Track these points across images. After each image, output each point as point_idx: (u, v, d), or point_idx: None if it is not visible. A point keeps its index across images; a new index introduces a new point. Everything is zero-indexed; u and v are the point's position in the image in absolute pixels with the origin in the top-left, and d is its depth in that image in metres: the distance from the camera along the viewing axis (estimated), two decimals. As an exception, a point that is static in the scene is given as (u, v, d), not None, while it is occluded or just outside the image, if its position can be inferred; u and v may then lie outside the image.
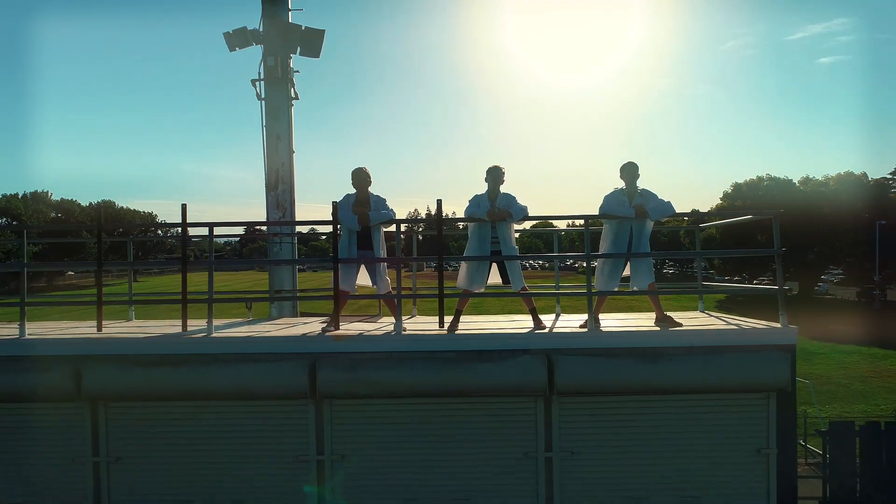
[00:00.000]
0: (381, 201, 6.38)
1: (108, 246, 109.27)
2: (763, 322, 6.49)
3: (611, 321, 6.79)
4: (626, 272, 6.52)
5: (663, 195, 6.36)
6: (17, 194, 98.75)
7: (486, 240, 6.31)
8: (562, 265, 7.54)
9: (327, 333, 6.12)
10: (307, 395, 5.80)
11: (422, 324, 6.81)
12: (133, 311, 8.11)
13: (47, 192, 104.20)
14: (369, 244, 6.33)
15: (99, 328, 6.69)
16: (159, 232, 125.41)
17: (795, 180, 73.92)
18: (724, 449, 5.89)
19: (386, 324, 6.89)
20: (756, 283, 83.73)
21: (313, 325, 6.98)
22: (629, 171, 6.31)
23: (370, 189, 6.50)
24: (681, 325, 6.26)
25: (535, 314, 6.49)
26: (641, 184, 6.42)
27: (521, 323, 6.76)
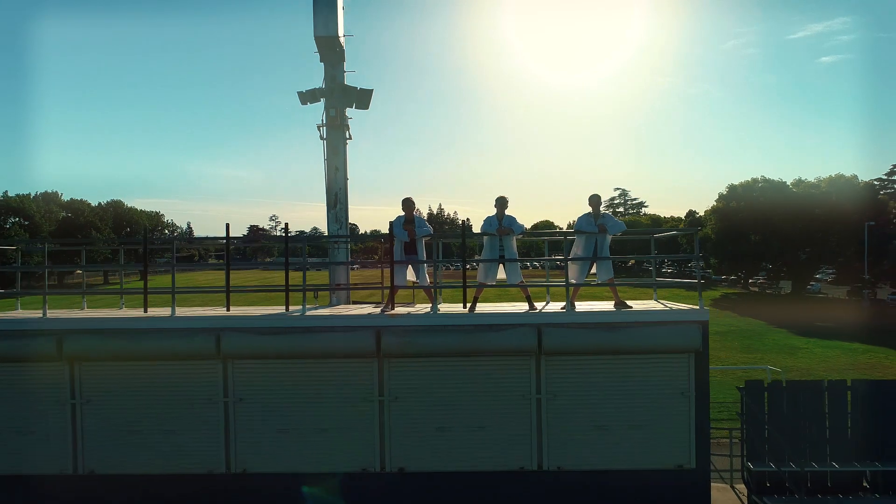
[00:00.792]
0: (422, 221, 9.15)
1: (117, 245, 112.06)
2: (688, 305, 9.25)
3: (582, 305, 9.56)
4: (593, 271, 9.29)
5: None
6: (28, 194, 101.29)
7: (496, 248, 9.09)
8: (552, 266, 9.76)
9: (386, 313, 8.92)
10: (374, 355, 8.59)
11: (449, 307, 9.58)
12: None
13: (57, 192, 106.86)
14: (414, 250, 9.10)
15: (228, 308, 9.45)
16: (166, 231, 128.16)
17: (789, 182, 76.52)
18: (660, 391, 8.67)
19: (424, 306, 9.68)
20: (751, 282, 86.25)
21: (369, 309, 9.77)
22: (594, 201, 9.11)
23: (413, 212, 9.29)
24: (631, 307, 9.03)
25: (529, 300, 9.27)
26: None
27: (519, 306, 9.53)
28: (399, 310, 9.21)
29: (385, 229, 9.11)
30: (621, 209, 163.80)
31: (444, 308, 9.30)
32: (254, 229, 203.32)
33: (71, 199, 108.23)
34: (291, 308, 9.40)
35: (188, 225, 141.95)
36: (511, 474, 8.63)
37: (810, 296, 77.13)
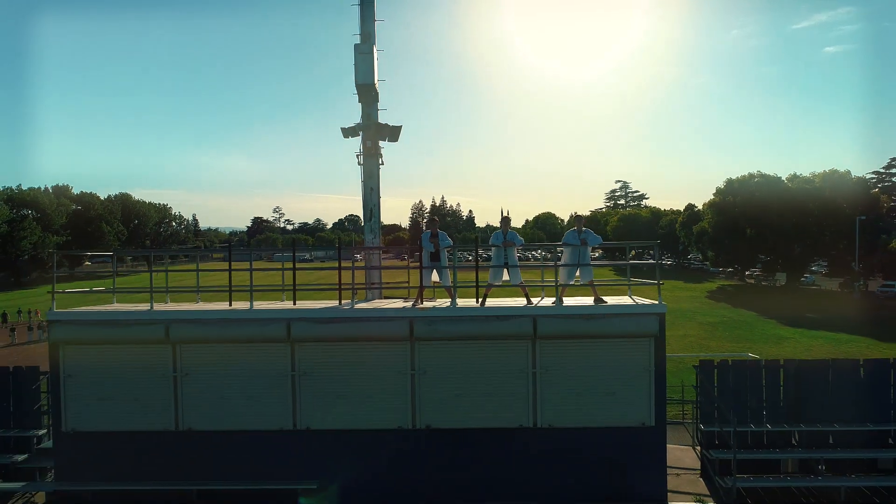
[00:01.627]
0: (444, 235, 11.80)
1: (126, 237, 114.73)
2: (651, 300, 11.90)
3: (569, 300, 12.22)
4: (577, 274, 11.96)
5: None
6: (39, 188, 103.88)
7: (501, 256, 11.76)
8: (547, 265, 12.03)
9: (416, 306, 11.62)
10: (407, 339, 11.29)
11: (465, 302, 12.25)
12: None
13: (68, 185, 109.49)
14: (438, 258, 11.77)
15: (294, 302, 12.10)
16: (173, 224, 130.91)
17: (785, 177, 78.92)
18: (627, 367, 11.35)
19: (444, 301, 12.35)
20: (748, 274, 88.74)
21: (401, 303, 12.46)
22: (578, 220, 11.78)
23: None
24: (606, 302, 11.71)
25: (527, 297, 11.94)
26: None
27: (519, 301, 12.19)
28: (426, 304, 11.90)
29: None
30: (622, 201, 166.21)
31: (461, 303, 11.98)
32: (258, 221, 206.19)
33: (81, 192, 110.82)
34: (328, 303, 12.15)
35: (193, 217, 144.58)
36: (513, 430, 11.35)
37: (804, 288, 79.76)
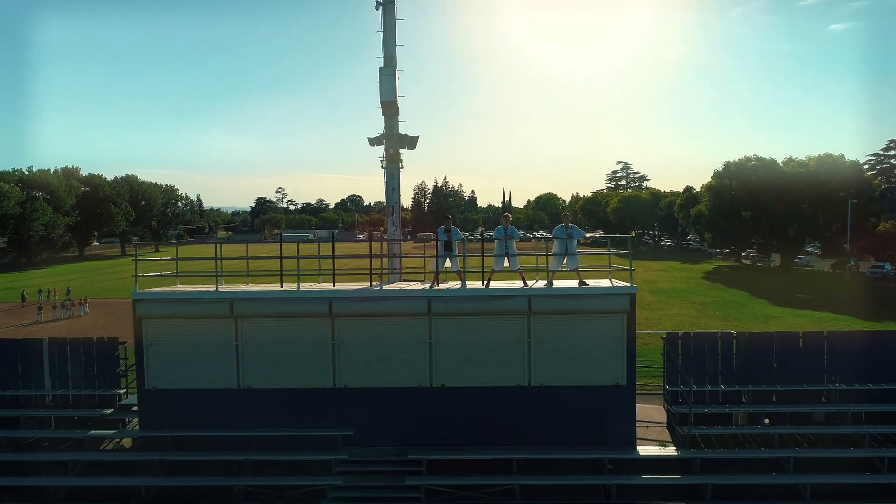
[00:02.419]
0: (456, 230, 14.47)
1: (134, 218, 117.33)
2: (624, 282, 14.59)
3: (558, 283, 14.91)
4: (565, 262, 14.66)
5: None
6: (49, 170, 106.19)
7: (503, 247, 14.45)
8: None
9: (433, 287, 14.35)
10: (426, 314, 14.02)
11: (472, 284, 14.95)
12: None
13: (76, 167, 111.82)
14: (450, 248, 14.47)
15: (333, 284, 14.80)
16: (179, 204, 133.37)
17: (781, 160, 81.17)
18: (604, 337, 14.09)
19: (455, 283, 15.06)
20: (744, 255, 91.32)
21: (420, 285, 15.16)
22: (565, 217, 14.46)
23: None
24: (588, 284, 14.42)
25: (524, 280, 14.65)
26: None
27: (516, 284, 14.88)
28: (441, 286, 14.64)
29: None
30: (623, 182, 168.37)
31: (469, 285, 14.70)
32: (262, 201, 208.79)
33: (89, 174, 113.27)
34: (359, 284, 14.90)
35: (197, 197, 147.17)
36: (511, 388, 14.14)
37: (797, 269, 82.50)
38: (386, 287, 14.75)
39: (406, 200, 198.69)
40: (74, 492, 13.61)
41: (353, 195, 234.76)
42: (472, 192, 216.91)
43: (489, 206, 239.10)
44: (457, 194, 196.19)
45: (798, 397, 15.12)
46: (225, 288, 14.92)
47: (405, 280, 16.68)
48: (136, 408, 15.62)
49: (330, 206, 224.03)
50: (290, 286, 14.69)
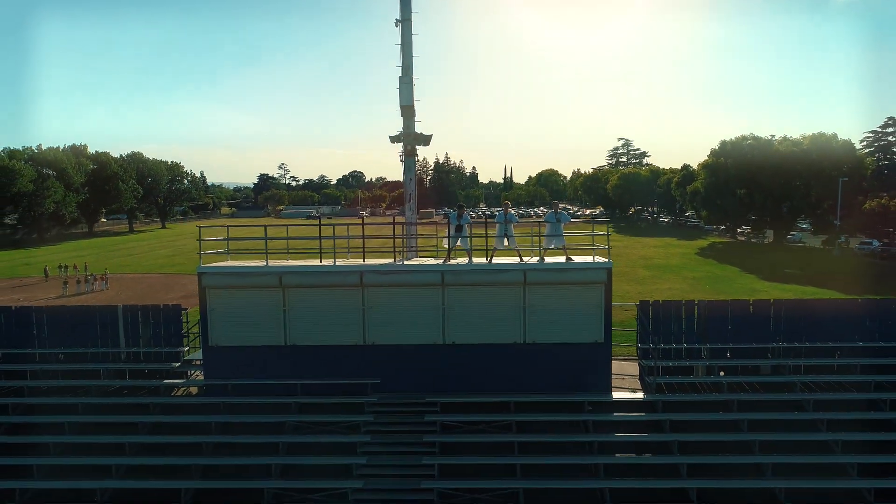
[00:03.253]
0: (466, 216, 17.65)
1: (142, 195, 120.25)
2: (603, 258, 17.78)
3: (549, 259, 18.12)
4: (554, 242, 17.86)
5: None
6: (58, 147, 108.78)
7: (503, 230, 17.64)
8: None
9: (446, 262, 17.59)
10: (440, 285, 17.27)
11: (478, 260, 18.15)
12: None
13: (84, 144, 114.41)
14: (460, 230, 17.66)
15: (363, 259, 18.00)
16: (185, 181, 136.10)
17: (776, 138, 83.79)
18: (585, 303, 17.34)
19: (463, 260, 18.26)
20: (739, 232, 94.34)
21: (433, 260, 18.37)
22: (555, 204, 17.65)
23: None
24: (573, 260, 17.64)
25: (520, 257, 17.88)
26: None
27: (513, 260, 18.09)
28: (452, 261, 17.85)
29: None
30: (624, 159, 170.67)
31: (476, 261, 17.91)
32: (264, 178, 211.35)
33: (96, 151, 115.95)
34: (384, 259, 18.13)
35: (201, 173, 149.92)
36: (509, 345, 17.41)
37: (790, 245, 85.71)
38: (406, 262, 17.99)
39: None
40: (155, 427, 16.99)
41: (355, 171, 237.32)
42: (474, 167, 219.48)
43: (490, 182, 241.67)
44: (458, 170, 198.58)
45: (748, 353, 18.43)
46: (273, 263, 18.10)
47: (420, 256, 19.88)
48: (196, 362, 18.98)
49: (332, 182, 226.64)
50: (327, 261, 17.90)
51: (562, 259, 17.88)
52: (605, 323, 17.34)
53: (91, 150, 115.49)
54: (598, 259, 17.79)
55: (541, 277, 17.27)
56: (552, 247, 17.97)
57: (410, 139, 19.25)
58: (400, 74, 18.98)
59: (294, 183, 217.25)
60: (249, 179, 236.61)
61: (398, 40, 19.21)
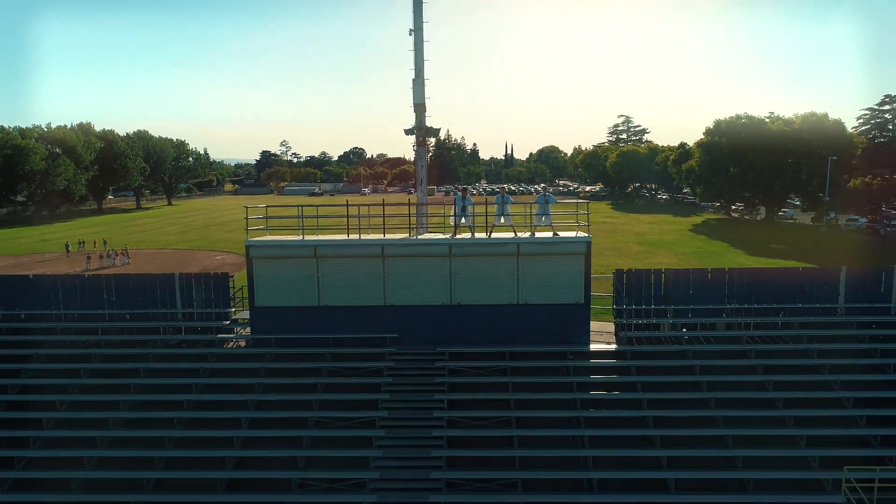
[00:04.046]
0: (470, 198, 21.31)
1: (149, 173, 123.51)
2: (585, 233, 21.49)
3: (538, 234, 21.83)
4: (543, 219, 21.56)
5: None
6: (66, 125, 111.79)
7: (500, 209, 21.33)
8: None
9: (453, 237, 21.32)
10: (448, 256, 21.02)
11: (480, 234, 21.85)
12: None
13: (89, 122, 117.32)
14: (465, 210, 21.35)
15: (384, 234, 21.71)
16: (190, 159, 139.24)
17: (768, 118, 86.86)
18: (569, 270, 21.09)
19: (467, 235, 21.96)
20: (733, 209, 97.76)
21: (441, 235, 22.08)
22: (545, 189, 21.30)
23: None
24: (559, 235, 21.35)
25: (515, 232, 21.60)
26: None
27: (510, 235, 21.77)
28: (458, 236, 21.55)
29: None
30: (624, 136, 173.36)
31: (478, 236, 21.59)
32: (266, 155, 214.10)
33: (103, 129, 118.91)
34: (400, 234, 21.84)
35: (205, 150, 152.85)
36: (505, 305, 21.18)
37: (781, 221, 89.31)
38: (419, 237, 21.71)
39: (409, 153, 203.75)
40: (213, 373, 20.85)
41: (356, 147, 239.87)
42: (475, 144, 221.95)
43: (491, 159, 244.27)
44: (459, 147, 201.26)
45: (706, 313, 22.23)
46: (308, 237, 21.80)
47: (430, 231, 23.58)
48: (241, 320, 22.81)
49: (333, 159, 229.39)
50: (353, 236, 21.61)
51: (549, 234, 21.60)
52: (585, 287, 21.11)
53: (96, 128, 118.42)
54: (580, 234, 21.50)
55: (532, 249, 21.01)
56: (541, 223, 21.67)
57: (422, 132, 22.88)
58: (413, 77, 22.52)
59: (296, 160, 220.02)
60: (249, 156, 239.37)
61: (411, 46, 22.71)
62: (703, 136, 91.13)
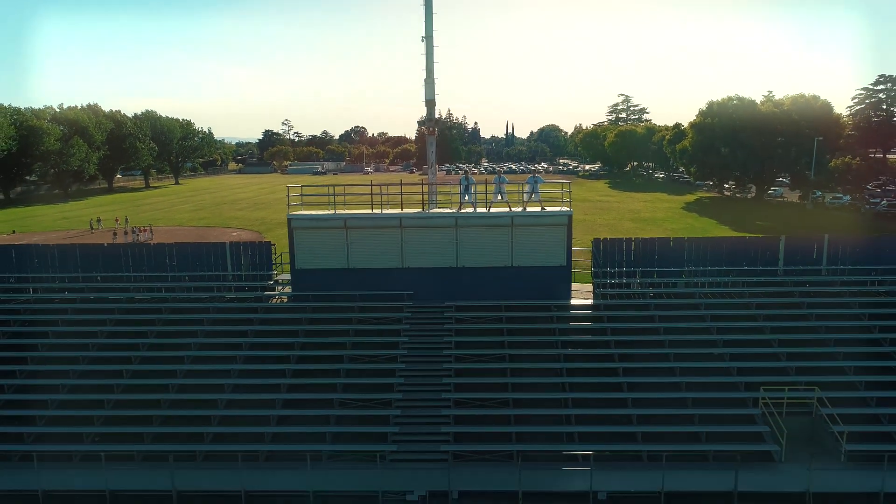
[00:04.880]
0: (472, 179, 26.18)
1: (157, 153, 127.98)
2: (567, 208, 26.41)
3: (529, 209, 26.72)
4: (532, 197, 26.47)
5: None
6: (76, 106, 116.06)
7: (497, 187, 26.23)
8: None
9: (458, 211, 26.26)
10: (454, 226, 25.97)
11: (481, 209, 26.74)
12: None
13: (97, 103, 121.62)
14: (468, 189, 26.23)
15: (401, 208, 26.63)
16: (197, 139, 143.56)
17: (759, 100, 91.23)
18: (553, 238, 26.04)
19: (470, 210, 26.85)
20: (726, 188, 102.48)
21: (450, 209, 26.99)
22: (533, 171, 26.18)
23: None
24: (545, 209, 26.27)
25: (510, 207, 26.52)
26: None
27: (506, 209, 26.66)
28: (463, 210, 26.45)
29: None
30: (624, 115, 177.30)
31: (479, 210, 26.47)
32: (269, 134, 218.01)
33: (111, 110, 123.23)
34: (414, 209, 26.76)
35: (208, 130, 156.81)
36: (501, 267, 26.14)
37: (770, 200, 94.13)
38: (430, 211, 26.62)
39: (409, 132, 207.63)
40: (264, 321, 25.90)
41: (357, 126, 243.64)
42: (475, 123, 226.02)
43: (492, 138, 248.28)
44: (460, 126, 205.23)
45: (670, 274, 27.21)
46: (339, 212, 26.68)
47: (439, 206, 28.46)
48: (281, 280, 27.81)
49: (335, 138, 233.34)
50: (376, 210, 26.51)
51: (538, 209, 26.51)
52: (567, 252, 26.07)
53: (103, 108, 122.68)
54: (563, 209, 26.41)
55: (523, 221, 25.94)
56: (532, 200, 26.59)
57: (432, 124, 27.74)
58: (424, 77, 27.30)
59: (298, 139, 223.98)
60: (250, 135, 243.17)
61: (423, 50, 27.46)
62: (696, 117, 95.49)
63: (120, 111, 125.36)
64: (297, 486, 18.71)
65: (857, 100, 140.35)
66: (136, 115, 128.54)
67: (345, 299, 26.21)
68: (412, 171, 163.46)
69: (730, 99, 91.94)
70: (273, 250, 28.29)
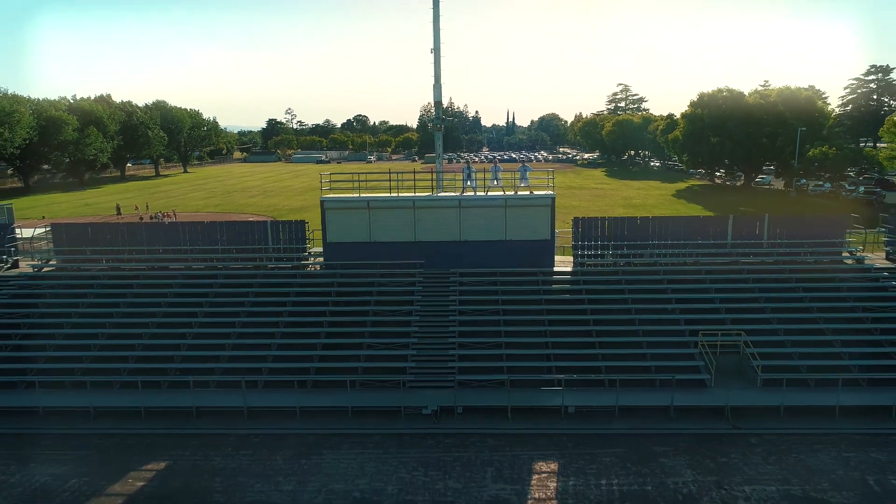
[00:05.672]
0: (473, 168, 32.23)
1: (167, 142, 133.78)
2: (551, 192, 32.50)
3: (520, 192, 32.79)
4: (522, 183, 32.55)
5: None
6: (89, 97, 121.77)
7: (494, 174, 32.32)
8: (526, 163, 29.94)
9: (461, 195, 32.36)
10: (458, 207, 32.08)
11: (480, 193, 32.79)
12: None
13: (109, 94, 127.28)
14: (470, 177, 32.30)
15: (414, 192, 32.72)
16: (205, 128, 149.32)
17: (747, 92, 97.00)
18: (539, 217, 32.13)
19: (471, 193, 32.91)
20: (717, 176, 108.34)
21: (454, 192, 33.06)
22: (523, 160, 32.17)
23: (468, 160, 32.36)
24: (533, 193, 32.34)
25: (503, 191, 32.61)
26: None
27: (500, 193, 32.72)
28: (465, 194, 32.52)
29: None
30: (622, 104, 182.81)
31: (479, 193, 32.51)
32: (272, 123, 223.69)
33: (122, 100, 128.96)
34: (424, 192, 32.84)
35: (214, 119, 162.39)
36: (496, 241, 32.22)
37: (757, 187, 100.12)
38: (439, 194, 32.71)
39: (411, 121, 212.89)
40: (303, 283, 32.04)
41: (359, 115, 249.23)
42: (476, 112, 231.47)
43: (493, 126, 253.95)
44: (461, 115, 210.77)
45: (637, 247, 33.32)
46: (363, 195, 32.72)
47: (445, 190, 34.49)
48: (314, 252, 33.96)
49: (337, 127, 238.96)
50: (393, 193, 32.56)
51: (527, 193, 32.58)
52: (551, 228, 32.16)
53: (114, 99, 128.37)
54: (548, 192, 32.50)
55: (515, 202, 32.02)
56: (522, 185, 32.68)
57: (439, 122, 33.75)
58: (433, 83, 33.30)
59: (301, 127, 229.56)
60: (253, 123, 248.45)
61: (432, 59, 33.45)
62: (688, 108, 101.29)
63: (131, 102, 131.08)
64: (340, 404, 24.92)
65: (848, 90, 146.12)
66: (146, 104, 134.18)
67: (368, 267, 32.30)
68: (414, 160, 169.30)
69: (720, 91, 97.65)
70: (307, 227, 34.40)
